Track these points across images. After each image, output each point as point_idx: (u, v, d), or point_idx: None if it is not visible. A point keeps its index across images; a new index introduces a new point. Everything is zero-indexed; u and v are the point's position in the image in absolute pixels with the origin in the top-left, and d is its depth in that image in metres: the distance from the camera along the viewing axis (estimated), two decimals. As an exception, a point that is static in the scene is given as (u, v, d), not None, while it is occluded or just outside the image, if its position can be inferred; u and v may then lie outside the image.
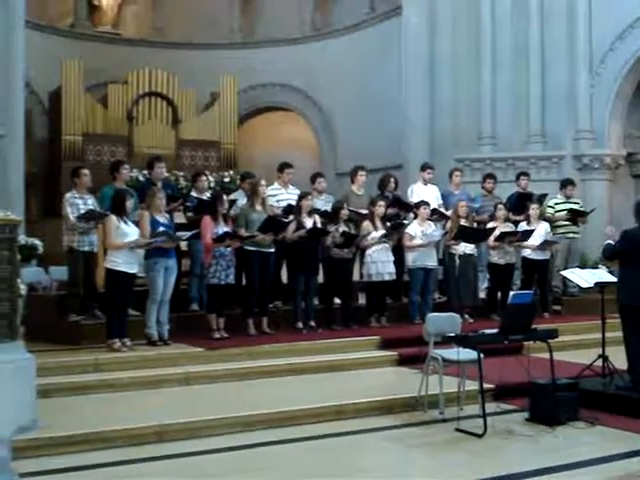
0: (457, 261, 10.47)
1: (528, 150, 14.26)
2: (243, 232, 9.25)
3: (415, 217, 10.75)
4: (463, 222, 10.57)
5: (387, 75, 16.27)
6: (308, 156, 17.87)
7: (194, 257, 9.83)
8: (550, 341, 7.03)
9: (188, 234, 9.10)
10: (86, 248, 9.13)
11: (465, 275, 10.51)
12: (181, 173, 15.44)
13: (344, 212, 10.08)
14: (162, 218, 8.90)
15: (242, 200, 10.04)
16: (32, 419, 6.04)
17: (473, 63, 14.52)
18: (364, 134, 16.69)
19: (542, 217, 11.46)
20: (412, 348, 8.58)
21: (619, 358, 7.70)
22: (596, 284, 8.37)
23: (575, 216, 11.81)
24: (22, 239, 10.11)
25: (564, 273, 9.56)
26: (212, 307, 9.15)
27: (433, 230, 10.61)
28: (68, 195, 9.25)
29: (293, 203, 10.08)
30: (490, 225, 11.00)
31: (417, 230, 10.45)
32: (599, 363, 7.88)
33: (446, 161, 13.45)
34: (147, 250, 8.73)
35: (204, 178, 10.56)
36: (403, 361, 8.79)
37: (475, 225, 11.05)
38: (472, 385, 6.99)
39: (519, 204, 11.64)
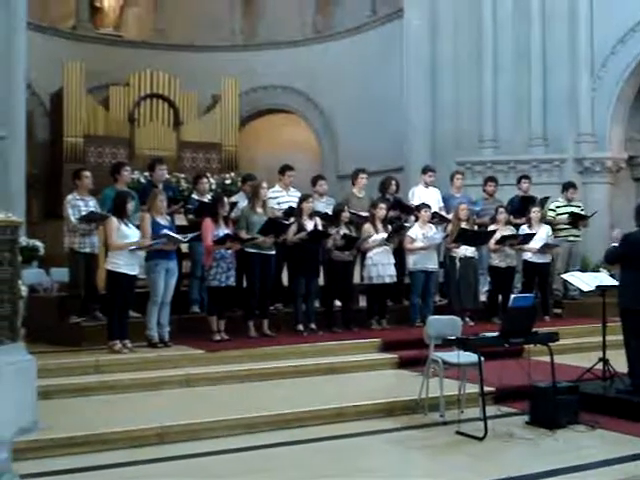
0: (458, 264, 10.47)
1: (529, 153, 14.26)
2: (244, 234, 9.25)
3: (416, 220, 10.75)
4: (464, 225, 10.57)
5: (388, 78, 16.28)
6: (309, 158, 17.88)
7: (195, 259, 9.83)
8: (551, 344, 7.03)
9: (189, 236, 9.10)
10: (87, 250, 9.13)
11: (466, 278, 10.51)
12: (182, 175, 15.44)
13: (345, 215, 10.08)
14: (163, 220, 8.90)
15: (243, 202, 10.03)
16: (33, 421, 6.04)
17: (475, 66, 14.52)
18: (365, 136, 16.71)
19: (543, 220, 11.46)
20: (413, 351, 8.60)
21: (620, 361, 7.70)
22: (597, 287, 8.36)
23: (576, 220, 11.80)
24: (23, 241, 10.13)
25: (565, 276, 9.55)
26: (213, 309, 9.15)
27: (434, 233, 10.60)
28: (69, 197, 9.25)
29: (294, 205, 10.08)
30: (491, 228, 11.00)
31: (418, 233, 10.45)
32: (600, 366, 7.88)
33: (447, 164, 13.46)
34: (148, 252, 8.74)
35: (205, 180, 10.56)
36: (404, 364, 8.79)
37: (476, 228, 11.04)
38: (472, 388, 6.99)
39: (521, 207, 11.65)
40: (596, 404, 7.19)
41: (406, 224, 10.72)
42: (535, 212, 11.23)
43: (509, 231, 11.06)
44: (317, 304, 10.14)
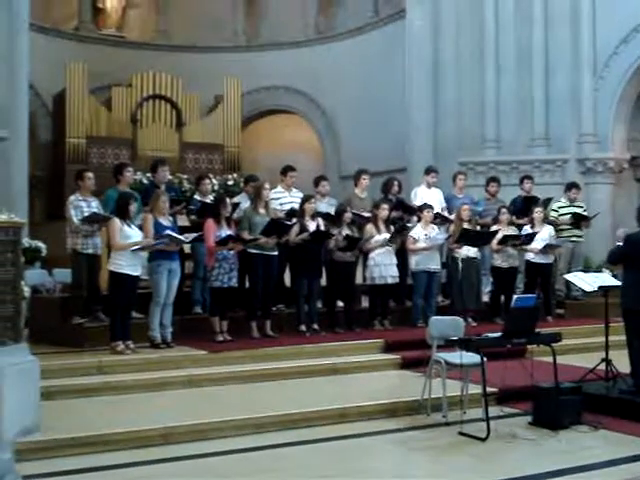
0: (460, 264, 10.48)
1: (532, 153, 14.25)
2: (246, 235, 9.25)
3: (418, 220, 10.76)
4: (466, 225, 10.58)
5: (391, 78, 16.27)
6: (311, 159, 17.89)
7: (197, 260, 9.84)
8: (553, 345, 7.02)
9: (191, 237, 9.11)
10: (90, 251, 9.12)
11: (468, 278, 10.51)
12: (185, 176, 15.47)
13: (347, 215, 10.09)
14: (165, 221, 8.91)
15: (245, 203, 10.03)
16: (36, 421, 6.05)
17: (477, 66, 14.50)
18: (368, 137, 16.71)
19: (546, 221, 11.45)
20: (415, 351, 8.60)
21: (622, 362, 7.69)
22: (599, 288, 8.35)
23: (579, 220, 11.79)
24: (26, 241, 10.15)
25: (567, 277, 9.54)
26: (215, 310, 9.15)
27: (436, 233, 10.60)
28: (72, 198, 9.25)
29: (296, 206, 10.09)
30: (493, 228, 11.00)
31: (420, 233, 10.45)
32: (602, 367, 7.87)
33: (450, 164, 13.46)
34: (150, 253, 8.75)
35: (208, 181, 10.58)
36: (406, 364, 8.79)
37: (478, 228, 11.04)
38: (475, 389, 6.99)
39: (523, 207, 11.64)
40: (599, 404, 7.19)
41: (408, 225, 10.73)
42: (537, 212, 11.23)
43: (511, 231, 11.06)
44: (319, 305, 10.14)
